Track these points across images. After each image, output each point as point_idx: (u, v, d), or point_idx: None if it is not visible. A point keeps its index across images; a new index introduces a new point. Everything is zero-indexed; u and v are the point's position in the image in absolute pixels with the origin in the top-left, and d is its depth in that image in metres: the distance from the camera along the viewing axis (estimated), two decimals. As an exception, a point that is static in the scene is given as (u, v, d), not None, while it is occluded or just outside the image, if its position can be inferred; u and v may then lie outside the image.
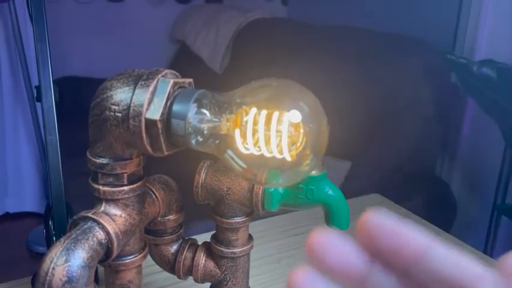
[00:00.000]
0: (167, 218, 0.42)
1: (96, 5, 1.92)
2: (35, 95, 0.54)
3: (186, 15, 1.99)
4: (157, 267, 0.45)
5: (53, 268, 0.30)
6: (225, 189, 0.40)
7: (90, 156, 0.34)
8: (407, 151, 1.19)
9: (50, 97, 0.53)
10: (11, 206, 1.74)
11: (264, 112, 0.30)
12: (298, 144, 0.31)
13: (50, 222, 0.54)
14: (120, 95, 0.31)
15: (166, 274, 0.45)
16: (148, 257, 0.45)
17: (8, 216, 1.75)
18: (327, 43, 1.43)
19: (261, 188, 0.39)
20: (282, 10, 1.91)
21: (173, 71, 0.33)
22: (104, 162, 0.33)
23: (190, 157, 0.41)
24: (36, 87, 0.54)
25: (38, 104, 0.55)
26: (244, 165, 0.33)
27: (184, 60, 1.89)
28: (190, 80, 0.33)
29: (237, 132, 0.31)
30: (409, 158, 1.17)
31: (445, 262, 0.17)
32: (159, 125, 0.30)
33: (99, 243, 0.33)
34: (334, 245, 0.17)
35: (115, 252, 0.34)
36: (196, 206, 0.42)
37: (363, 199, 0.83)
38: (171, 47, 2.02)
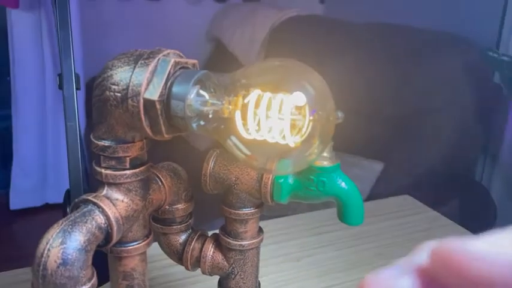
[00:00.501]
0: (175, 207, 0.41)
1: (135, 3, 1.96)
2: (58, 83, 0.55)
3: (223, 14, 1.99)
4: (168, 261, 0.44)
5: (49, 249, 0.29)
6: (234, 178, 0.38)
7: (93, 139, 0.33)
8: (443, 153, 1.13)
9: (71, 85, 0.54)
10: (51, 196, 1.80)
11: (268, 94, 0.29)
12: (303, 129, 0.29)
13: (68, 209, 0.55)
14: (120, 74, 0.30)
15: (178, 268, 0.44)
16: (159, 249, 0.44)
17: (47, 206, 1.82)
18: (363, 41, 1.39)
19: (270, 179, 0.37)
20: (319, 8, 1.88)
21: (177, 51, 0.32)
22: (106, 144, 0.33)
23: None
24: (58, 75, 0.54)
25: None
26: (247, 152, 0.31)
27: (219, 59, 1.89)
28: (195, 61, 0.32)
29: (238, 115, 0.29)
30: (445, 161, 1.11)
31: None
32: (158, 106, 0.29)
33: (98, 227, 0.32)
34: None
35: (115, 237, 0.33)
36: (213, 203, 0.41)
37: (392, 200, 0.79)
38: (207, 46, 2.03)
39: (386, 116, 1.11)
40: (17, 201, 1.78)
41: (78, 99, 0.60)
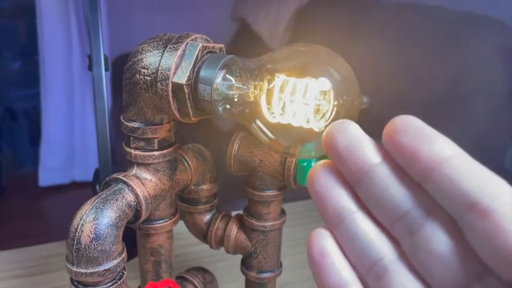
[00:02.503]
0: (200, 187, 0.42)
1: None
2: (87, 64, 0.56)
3: (248, -6, 1.97)
4: (194, 240, 0.46)
5: (82, 225, 0.31)
6: (257, 161, 0.39)
7: (123, 120, 0.35)
8: (473, 140, 1.11)
9: (101, 66, 0.55)
10: (78, 174, 1.85)
11: (293, 80, 0.29)
12: (327, 114, 0.29)
13: (97, 187, 0.57)
14: (150, 58, 0.31)
15: (202, 246, 0.46)
16: (186, 229, 0.46)
17: (75, 184, 1.87)
18: (393, 22, 1.36)
19: (294, 162, 0.38)
20: (346, -13, 1.84)
21: (204, 36, 0.32)
22: (136, 126, 0.34)
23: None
24: (88, 56, 0.56)
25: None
26: (271, 136, 0.32)
27: (244, 38, 1.89)
28: (221, 45, 0.33)
29: (263, 99, 0.30)
30: (474, 148, 1.09)
31: (461, 174, 0.16)
32: (186, 90, 0.30)
33: (128, 204, 0.33)
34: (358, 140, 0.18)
35: (144, 215, 0.35)
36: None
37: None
38: (231, 25, 2.02)
39: (414, 101, 1.09)
40: (46, 178, 1.84)
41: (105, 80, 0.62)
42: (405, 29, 1.30)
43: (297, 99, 0.29)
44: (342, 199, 0.19)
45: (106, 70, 0.56)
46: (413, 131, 0.17)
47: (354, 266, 0.20)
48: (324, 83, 0.28)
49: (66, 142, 1.81)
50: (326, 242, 0.20)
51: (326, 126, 0.30)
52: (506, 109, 1.16)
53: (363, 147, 0.18)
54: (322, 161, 0.20)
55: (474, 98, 1.14)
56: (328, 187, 0.19)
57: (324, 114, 0.29)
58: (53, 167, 1.82)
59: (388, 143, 0.17)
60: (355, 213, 0.19)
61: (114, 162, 0.67)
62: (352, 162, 0.18)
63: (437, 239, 0.17)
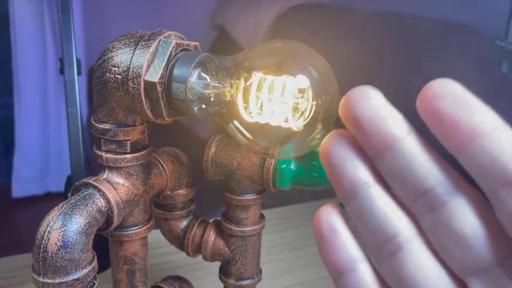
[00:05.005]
0: (177, 192, 0.40)
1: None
2: (59, 68, 0.54)
3: (227, 1, 1.97)
4: (170, 248, 0.44)
5: (49, 232, 0.29)
6: (236, 164, 0.38)
7: (93, 122, 0.33)
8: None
9: (73, 70, 0.53)
10: (53, 185, 1.81)
11: (270, 77, 0.28)
12: (306, 113, 0.28)
13: (69, 195, 0.55)
14: (121, 56, 0.30)
15: (179, 255, 0.44)
16: (162, 237, 0.44)
17: (49, 195, 1.82)
18: (370, 30, 1.38)
19: (273, 165, 0.37)
20: (324, -5, 1.86)
21: (178, 33, 0.31)
22: (107, 127, 0.32)
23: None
24: (59, 59, 0.54)
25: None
26: (249, 136, 0.31)
27: (223, 46, 1.88)
28: (196, 43, 0.32)
29: (240, 98, 0.29)
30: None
31: (502, 149, 0.15)
32: (159, 88, 0.29)
33: (99, 210, 0.32)
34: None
35: (115, 221, 0.33)
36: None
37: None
38: (210, 33, 2.01)
39: (392, 104, 1.11)
40: (19, 189, 1.78)
41: (81, 86, 0.60)
42: (381, 37, 1.31)
43: (275, 97, 0.28)
44: (358, 171, 0.18)
45: (79, 74, 0.54)
46: (455, 97, 0.16)
47: (366, 242, 0.19)
48: (302, 81, 0.27)
49: (40, 151, 1.77)
50: (336, 219, 0.19)
51: (304, 125, 0.29)
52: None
53: (388, 120, 0.17)
54: (337, 130, 0.19)
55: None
56: (344, 158, 0.18)
57: (302, 113, 0.28)
58: (26, 178, 1.77)
59: (425, 109, 0.16)
60: (372, 187, 0.18)
61: (89, 170, 0.65)
62: (374, 135, 0.17)
63: (461, 219, 0.16)
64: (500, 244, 0.16)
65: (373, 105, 0.17)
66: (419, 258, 0.17)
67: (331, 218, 0.19)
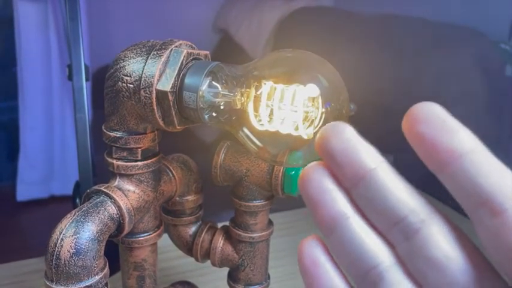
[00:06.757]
0: (185, 198, 0.41)
1: (142, -6, 1.95)
2: (67, 74, 0.55)
3: (230, 4, 1.98)
4: (179, 253, 0.45)
5: (62, 239, 0.30)
6: (244, 170, 0.38)
7: (104, 130, 0.33)
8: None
9: (81, 76, 0.54)
10: (57, 188, 1.81)
11: (280, 86, 0.28)
12: (316, 121, 0.28)
13: (77, 200, 0.55)
14: (133, 65, 0.30)
15: (188, 260, 0.45)
16: (170, 242, 0.44)
17: (54, 198, 1.82)
18: (373, 33, 1.38)
19: (281, 171, 0.37)
20: (327, -1, 1.86)
21: (189, 43, 0.32)
22: (118, 135, 0.33)
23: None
24: (67, 66, 0.54)
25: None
26: (259, 144, 0.31)
27: (226, 50, 1.88)
28: (207, 52, 0.32)
29: (251, 107, 0.29)
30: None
31: (479, 169, 0.16)
32: (170, 97, 0.29)
33: (110, 217, 0.32)
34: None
35: (127, 228, 0.33)
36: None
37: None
38: (213, 36, 2.02)
39: (397, 108, 1.11)
40: (24, 192, 1.78)
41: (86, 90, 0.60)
42: (385, 41, 1.31)
43: (285, 106, 0.28)
44: (336, 203, 0.18)
45: (87, 80, 0.55)
46: (436, 121, 0.16)
47: (347, 274, 0.19)
48: (313, 89, 0.28)
49: (45, 155, 1.77)
50: (318, 251, 0.19)
51: (315, 133, 0.29)
52: (486, 119, 1.18)
53: (359, 152, 0.18)
54: (314, 163, 0.19)
55: (454, 107, 1.16)
56: (322, 191, 0.19)
57: (312, 121, 0.29)
58: (31, 181, 1.77)
59: (408, 131, 0.17)
60: (351, 218, 0.18)
61: (94, 176, 0.65)
62: (348, 166, 0.18)
63: (433, 244, 0.17)
64: (476, 265, 0.16)
65: (345, 138, 0.18)
66: (400, 287, 0.17)
67: (313, 249, 0.19)
